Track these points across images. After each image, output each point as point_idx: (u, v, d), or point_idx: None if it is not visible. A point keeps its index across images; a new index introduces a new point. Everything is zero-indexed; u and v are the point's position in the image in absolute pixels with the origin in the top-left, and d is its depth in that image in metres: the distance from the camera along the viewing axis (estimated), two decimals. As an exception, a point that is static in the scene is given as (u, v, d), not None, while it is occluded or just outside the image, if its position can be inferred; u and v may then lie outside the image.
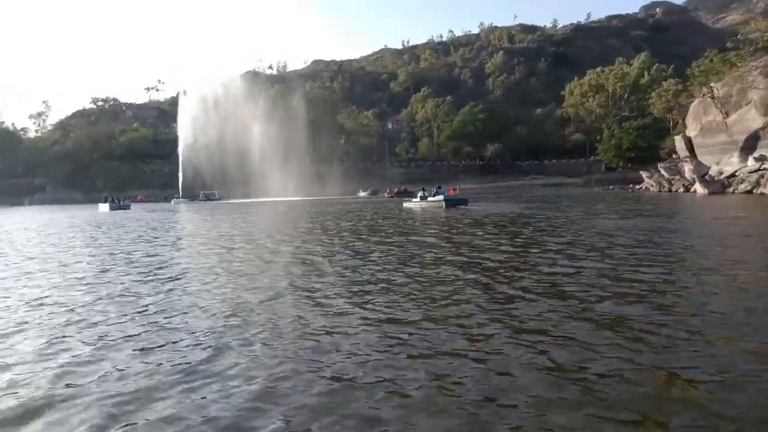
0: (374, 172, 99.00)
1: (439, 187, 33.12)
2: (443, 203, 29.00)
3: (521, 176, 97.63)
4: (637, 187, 43.14)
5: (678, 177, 36.01)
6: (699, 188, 30.47)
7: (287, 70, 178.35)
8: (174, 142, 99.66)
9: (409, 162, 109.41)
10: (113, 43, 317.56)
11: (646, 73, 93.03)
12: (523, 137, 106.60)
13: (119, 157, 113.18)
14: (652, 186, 37.98)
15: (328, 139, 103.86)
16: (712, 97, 36.92)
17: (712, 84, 39.83)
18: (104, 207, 53.00)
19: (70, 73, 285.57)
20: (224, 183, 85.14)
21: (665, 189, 36.13)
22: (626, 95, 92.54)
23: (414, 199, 33.58)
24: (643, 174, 41.26)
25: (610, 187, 48.98)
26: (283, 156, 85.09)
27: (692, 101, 75.76)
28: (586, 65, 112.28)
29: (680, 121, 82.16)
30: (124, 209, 52.01)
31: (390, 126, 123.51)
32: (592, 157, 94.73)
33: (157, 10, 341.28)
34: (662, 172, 38.26)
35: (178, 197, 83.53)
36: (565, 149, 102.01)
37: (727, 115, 35.34)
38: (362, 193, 70.92)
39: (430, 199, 30.79)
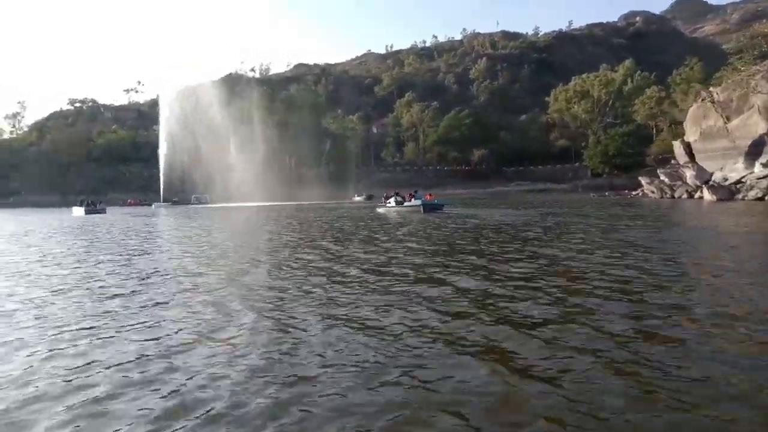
0: (360, 176, 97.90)
1: (416, 191, 33.85)
2: (421, 208, 29.83)
3: (507, 182, 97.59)
4: (633, 193, 42.70)
5: (680, 183, 35.54)
6: (706, 195, 29.94)
7: (270, 73, 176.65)
8: (154, 144, 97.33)
9: (395, 166, 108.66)
10: (92, 43, 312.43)
11: (629, 81, 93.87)
12: (508, 143, 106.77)
13: (97, 159, 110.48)
14: (652, 192, 37.45)
15: (313, 142, 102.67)
16: (712, 102, 36.63)
17: (711, 88, 39.58)
18: (78, 211, 51.65)
19: (47, 74, 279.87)
20: (207, 187, 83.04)
21: (667, 195, 35.63)
22: (611, 102, 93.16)
23: (389, 204, 33.88)
24: (643, 180, 40.75)
25: (605, 193, 48.51)
26: (268, 159, 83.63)
27: (675, 108, 77.18)
28: (569, 72, 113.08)
29: (664, 127, 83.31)
30: (100, 213, 50.75)
31: (375, 130, 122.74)
32: (577, 163, 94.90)
33: (138, 10, 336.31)
34: (663, 177, 37.82)
35: (176, 200, 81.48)
36: (551, 155, 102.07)
37: (728, 120, 35.07)
38: (357, 198, 69.57)
39: (406, 204, 31.63)
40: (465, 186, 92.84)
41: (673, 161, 41.88)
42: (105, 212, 52.36)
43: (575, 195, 56.07)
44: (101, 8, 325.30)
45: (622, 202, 34.85)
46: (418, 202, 30.66)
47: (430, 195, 33.02)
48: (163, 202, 79.51)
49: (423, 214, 28.58)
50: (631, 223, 18.25)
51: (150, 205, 78.03)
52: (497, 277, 8.62)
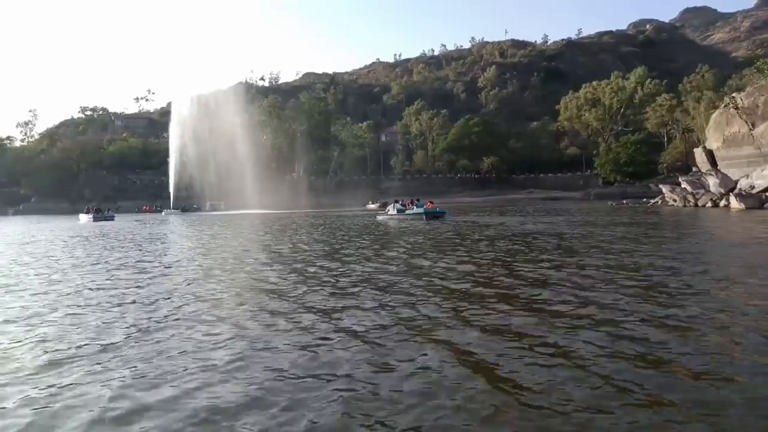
0: (370, 184, 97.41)
1: (418, 200, 33.92)
2: (423, 216, 29.94)
3: (517, 190, 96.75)
4: (653, 201, 41.85)
5: (703, 191, 34.67)
6: (734, 203, 29.05)
7: (279, 82, 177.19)
8: (164, 152, 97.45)
9: (404, 174, 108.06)
10: (104, 51, 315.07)
11: (639, 88, 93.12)
12: (518, 151, 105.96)
13: (107, 167, 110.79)
14: (674, 200, 36.60)
15: (323, 150, 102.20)
16: (736, 108, 35.77)
17: (734, 94, 38.77)
18: (85, 218, 51.62)
19: (59, 83, 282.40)
20: (217, 194, 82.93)
21: (690, 204, 34.78)
22: (622, 109, 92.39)
23: (390, 211, 33.61)
24: (664, 188, 39.92)
25: (623, 201, 47.55)
26: (279, 167, 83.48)
27: (686, 116, 76.43)
28: (578, 80, 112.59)
29: (677, 135, 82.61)
30: (108, 220, 50.56)
31: (384, 138, 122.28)
32: (588, 171, 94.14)
33: (149, 19, 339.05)
34: (684, 185, 36.98)
35: (196, 207, 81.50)
36: (561, 163, 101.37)
37: (753, 126, 34.26)
38: (371, 206, 69.01)
39: (408, 212, 31.78)
40: (475, 194, 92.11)
41: (694, 168, 41.07)
42: (113, 219, 52.19)
43: (588, 203, 55.14)
44: (112, 15, 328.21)
45: (646, 210, 34.01)
46: (420, 210, 30.81)
47: (431, 203, 33.17)
48: (173, 209, 79.39)
49: (425, 221, 28.77)
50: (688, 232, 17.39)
51: (161, 211, 78.23)
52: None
